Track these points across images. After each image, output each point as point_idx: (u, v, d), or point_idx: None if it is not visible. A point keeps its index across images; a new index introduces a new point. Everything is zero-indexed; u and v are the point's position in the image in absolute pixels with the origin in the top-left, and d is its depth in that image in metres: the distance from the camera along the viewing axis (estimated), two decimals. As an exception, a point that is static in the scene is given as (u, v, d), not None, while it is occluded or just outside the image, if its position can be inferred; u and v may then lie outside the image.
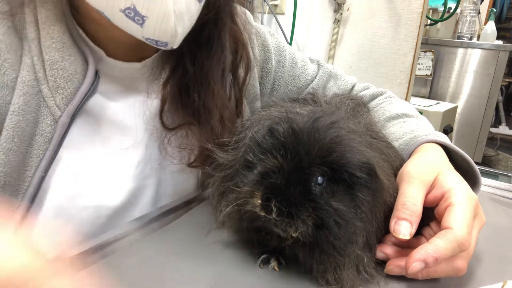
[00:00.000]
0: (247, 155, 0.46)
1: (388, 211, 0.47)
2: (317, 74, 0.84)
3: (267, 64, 0.79)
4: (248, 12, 0.77)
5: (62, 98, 0.53)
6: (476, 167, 0.59)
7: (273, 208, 0.40)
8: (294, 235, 0.41)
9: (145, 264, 0.48)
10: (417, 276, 0.45)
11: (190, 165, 0.64)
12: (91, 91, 0.55)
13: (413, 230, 0.45)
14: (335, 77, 0.85)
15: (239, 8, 0.68)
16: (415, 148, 0.59)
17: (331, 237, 0.41)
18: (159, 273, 0.46)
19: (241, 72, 0.67)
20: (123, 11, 0.46)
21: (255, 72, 0.75)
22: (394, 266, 0.46)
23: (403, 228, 0.45)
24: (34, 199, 0.53)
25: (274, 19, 2.06)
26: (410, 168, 0.51)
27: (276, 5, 2.10)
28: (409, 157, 0.58)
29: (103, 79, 0.58)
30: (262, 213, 0.41)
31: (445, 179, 0.49)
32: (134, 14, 0.46)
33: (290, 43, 2.03)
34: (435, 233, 0.48)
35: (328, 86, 0.84)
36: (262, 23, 2.11)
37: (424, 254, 0.42)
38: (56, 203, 0.56)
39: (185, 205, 0.64)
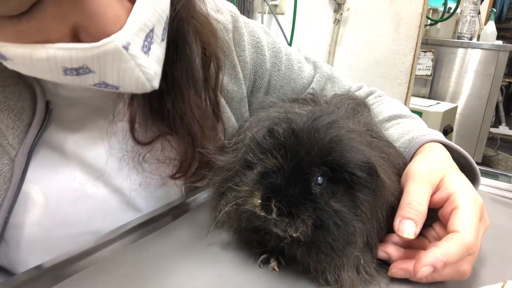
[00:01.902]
0: (247, 155, 0.46)
1: (390, 210, 0.47)
2: (313, 77, 0.80)
3: (261, 68, 0.74)
4: (227, 6, 0.70)
5: (14, 137, 0.50)
6: (474, 163, 0.59)
7: (273, 208, 0.40)
8: (294, 235, 0.41)
9: (144, 264, 0.48)
10: (422, 280, 0.45)
11: (173, 177, 0.61)
12: (45, 124, 0.52)
13: (418, 230, 0.45)
14: (332, 80, 0.82)
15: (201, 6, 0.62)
16: (417, 149, 0.59)
17: (330, 238, 0.41)
18: (158, 274, 0.46)
19: (213, 74, 0.63)
20: (95, 85, 0.45)
21: (241, 77, 0.70)
22: (399, 269, 0.46)
23: (407, 227, 0.44)
24: (1, 238, 0.51)
25: (274, 19, 2.07)
26: (416, 168, 0.50)
27: (276, 5, 2.10)
28: (411, 158, 0.57)
29: (62, 106, 0.54)
30: (262, 213, 0.41)
31: (451, 181, 0.49)
32: (106, 85, 0.45)
33: (290, 43, 2.04)
34: (438, 235, 0.48)
35: (325, 90, 0.81)
36: (262, 23, 2.11)
37: (434, 259, 0.41)
38: (31, 238, 0.53)
39: (181, 207, 0.64)
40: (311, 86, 0.79)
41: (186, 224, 0.57)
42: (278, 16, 2.08)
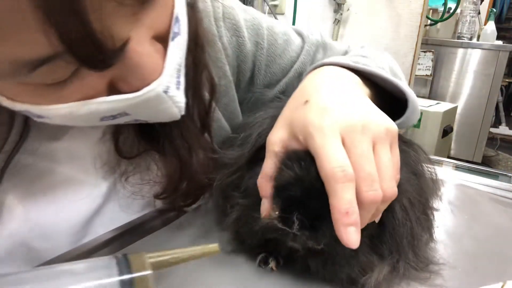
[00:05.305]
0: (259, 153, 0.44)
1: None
2: (302, 48, 0.70)
3: (242, 51, 0.65)
4: None
5: None
6: (395, 80, 0.52)
7: (295, 220, 0.38)
8: (318, 247, 0.39)
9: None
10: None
11: (157, 197, 0.56)
12: (25, 132, 0.48)
13: None
14: (324, 47, 0.72)
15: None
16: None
17: (349, 250, 0.39)
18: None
19: (205, 93, 0.57)
20: (125, 122, 0.43)
21: (227, 69, 0.64)
22: None
23: None
24: None
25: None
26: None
27: (276, 5, 2.11)
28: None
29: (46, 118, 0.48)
30: (281, 225, 0.39)
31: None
32: (136, 121, 0.44)
33: (290, 43, 2.04)
34: None
35: (316, 59, 0.71)
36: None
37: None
38: (9, 249, 0.50)
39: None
40: (300, 58, 0.70)
41: (186, 224, 0.57)
42: (278, 16, 2.08)
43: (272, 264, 0.47)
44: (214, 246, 0.38)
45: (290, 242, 0.40)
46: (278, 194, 0.40)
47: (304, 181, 0.39)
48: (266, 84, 0.66)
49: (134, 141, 0.54)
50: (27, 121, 0.48)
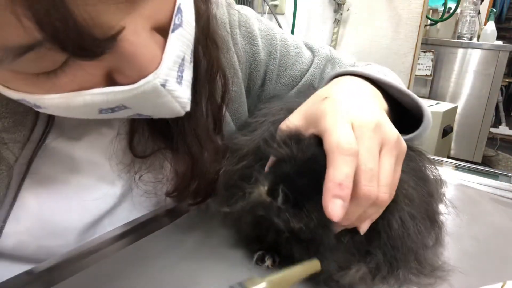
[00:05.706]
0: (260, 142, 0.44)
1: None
2: (312, 61, 0.72)
3: (255, 60, 0.67)
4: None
5: (15, 142, 0.46)
6: (414, 95, 0.54)
7: (280, 193, 0.38)
8: (296, 226, 0.38)
9: (141, 264, 0.48)
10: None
11: (168, 195, 0.57)
12: (48, 129, 0.48)
13: None
14: (332, 61, 0.74)
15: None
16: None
17: (331, 241, 0.39)
18: (155, 273, 0.46)
19: (219, 91, 0.58)
20: (128, 117, 0.43)
21: (240, 76, 0.65)
22: None
23: None
24: None
25: (274, 19, 2.07)
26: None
27: (276, 5, 2.11)
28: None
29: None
30: (268, 198, 0.39)
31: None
32: (140, 116, 0.43)
33: (290, 43, 2.04)
34: None
35: (325, 73, 0.72)
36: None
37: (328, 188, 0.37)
38: (19, 246, 0.50)
39: (181, 207, 0.64)
40: (310, 71, 0.72)
41: (194, 222, 0.57)
42: (278, 16, 2.08)
43: (268, 262, 0.47)
44: (315, 264, 0.37)
45: (275, 218, 0.40)
46: (271, 169, 0.41)
47: (297, 160, 0.39)
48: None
49: (148, 139, 0.54)
50: (49, 117, 0.48)
